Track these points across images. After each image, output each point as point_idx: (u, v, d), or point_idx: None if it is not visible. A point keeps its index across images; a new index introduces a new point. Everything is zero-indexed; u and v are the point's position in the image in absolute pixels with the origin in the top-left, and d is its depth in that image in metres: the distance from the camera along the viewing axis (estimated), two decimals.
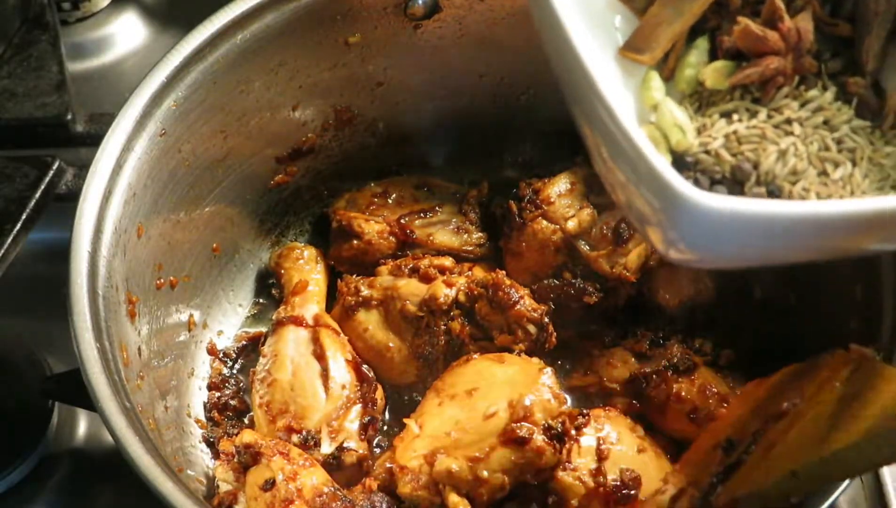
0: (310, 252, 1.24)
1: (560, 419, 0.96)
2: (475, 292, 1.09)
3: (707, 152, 0.77)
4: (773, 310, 1.15)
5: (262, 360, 1.14)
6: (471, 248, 1.22)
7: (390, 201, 1.25)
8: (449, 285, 1.11)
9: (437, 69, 1.22)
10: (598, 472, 0.95)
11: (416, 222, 1.22)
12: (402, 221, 1.21)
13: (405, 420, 1.02)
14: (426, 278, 1.14)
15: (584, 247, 1.14)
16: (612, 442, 0.98)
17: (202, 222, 1.15)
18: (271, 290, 1.25)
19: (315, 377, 1.09)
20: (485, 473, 0.95)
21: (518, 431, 0.94)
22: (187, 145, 1.07)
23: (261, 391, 1.10)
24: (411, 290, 1.13)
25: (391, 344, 1.13)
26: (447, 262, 1.17)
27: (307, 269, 1.22)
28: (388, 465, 0.99)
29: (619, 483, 0.94)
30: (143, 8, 1.53)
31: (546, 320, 1.08)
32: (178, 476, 0.84)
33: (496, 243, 1.22)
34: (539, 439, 0.94)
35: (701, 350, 1.13)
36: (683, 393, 1.07)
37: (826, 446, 0.74)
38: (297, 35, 1.11)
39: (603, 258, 1.13)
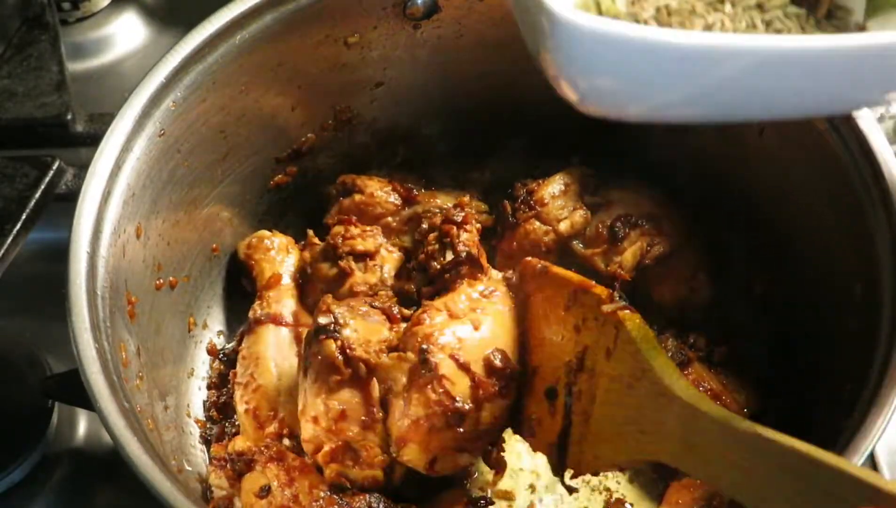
0: (280, 241, 1.20)
1: None
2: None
3: (636, 21, 0.76)
4: (772, 309, 1.15)
5: (241, 362, 1.11)
6: (471, 210, 1.17)
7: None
8: (357, 288, 1.10)
9: (437, 69, 1.22)
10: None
11: (421, 189, 1.23)
12: (407, 184, 1.22)
13: None
14: (343, 273, 1.11)
15: (578, 246, 1.14)
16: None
17: (202, 222, 1.15)
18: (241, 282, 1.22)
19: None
20: None
21: None
22: (187, 145, 1.07)
23: (245, 396, 1.08)
24: (330, 281, 1.12)
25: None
26: (373, 246, 1.13)
27: (279, 260, 1.18)
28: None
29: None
30: (143, 8, 1.53)
31: (463, 253, 1.06)
32: (177, 476, 0.84)
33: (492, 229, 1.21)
34: None
35: (695, 346, 1.13)
36: None
37: (624, 451, 0.85)
38: (297, 35, 1.11)
39: (598, 257, 1.14)
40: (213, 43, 1.04)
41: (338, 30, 1.13)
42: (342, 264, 1.11)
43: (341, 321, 0.98)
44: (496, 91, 1.25)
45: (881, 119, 1.25)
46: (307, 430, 0.98)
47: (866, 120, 0.98)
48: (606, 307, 0.87)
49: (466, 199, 1.18)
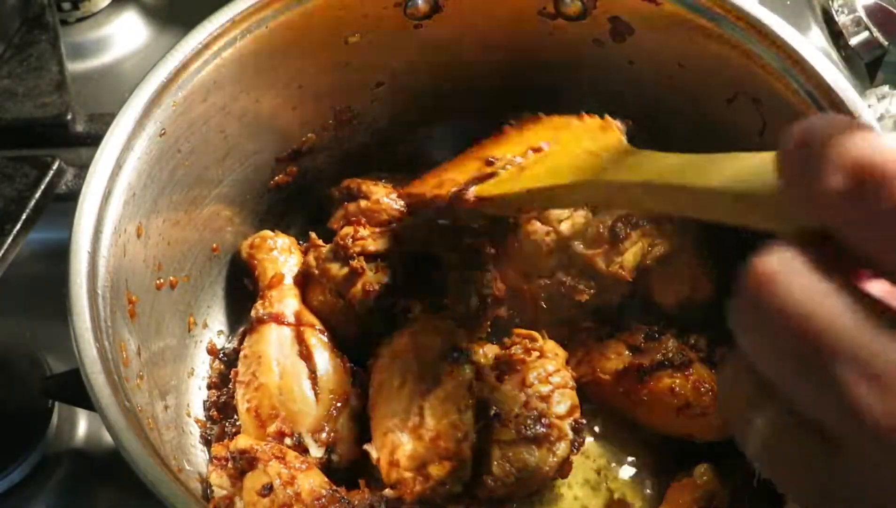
0: (283, 241, 1.20)
1: None
2: None
3: None
4: None
5: (243, 361, 1.11)
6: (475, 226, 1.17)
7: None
8: (370, 287, 1.11)
9: (438, 69, 1.22)
10: None
11: None
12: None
13: None
14: (354, 273, 1.11)
15: (579, 247, 1.14)
16: None
17: (202, 222, 1.15)
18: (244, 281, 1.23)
19: (303, 379, 1.08)
20: None
21: None
22: (187, 145, 1.07)
23: (247, 395, 1.08)
24: (339, 282, 1.12)
25: (332, 320, 1.14)
26: (384, 247, 1.13)
27: (282, 260, 1.18)
28: None
29: None
30: (143, 8, 1.53)
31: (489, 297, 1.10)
32: (178, 476, 0.84)
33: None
34: None
35: (696, 346, 1.13)
36: (677, 388, 1.07)
37: (556, 180, 0.91)
38: (297, 35, 1.11)
39: (599, 257, 1.13)
40: (213, 43, 1.04)
41: (338, 29, 1.13)
42: (353, 263, 1.11)
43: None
44: (497, 91, 1.25)
45: (881, 119, 1.25)
46: (416, 447, 0.99)
47: (866, 120, 0.98)
48: (609, 120, 1.01)
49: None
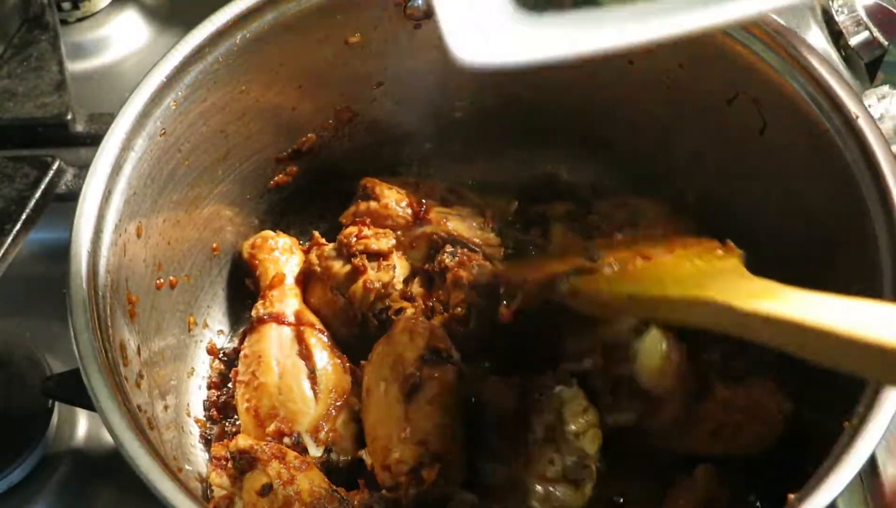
0: (284, 242, 1.21)
1: None
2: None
3: None
4: None
5: (243, 360, 1.11)
6: (479, 241, 1.19)
7: (419, 192, 1.24)
8: (370, 285, 1.11)
9: (437, 69, 1.22)
10: None
11: (436, 207, 1.21)
12: (423, 201, 1.21)
13: None
14: (356, 271, 1.13)
15: None
16: None
17: (202, 221, 1.15)
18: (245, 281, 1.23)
19: (303, 379, 1.08)
20: None
21: None
22: (187, 145, 1.07)
23: (247, 394, 1.08)
24: (341, 279, 1.13)
25: (331, 320, 1.15)
26: (386, 246, 1.15)
27: (283, 260, 1.19)
28: None
29: None
30: (143, 8, 1.53)
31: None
32: (178, 476, 0.84)
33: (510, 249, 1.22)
34: None
35: (710, 362, 1.10)
36: (704, 413, 1.04)
37: (663, 291, 0.86)
38: (297, 34, 1.11)
39: None
40: (213, 42, 1.04)
41: (338, 29, 1.13)
42: (356, 261, 1.13)
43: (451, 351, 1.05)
44: (497, 91, 1.25)
45: (881, 119, 1.25)
46: (405, 451, 0.99)
47: (866, 120, 0.98)
48: (731, 245, 0.95)
49: (489, 266, 1.17)
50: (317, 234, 1.21)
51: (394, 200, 1.20)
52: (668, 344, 1.04)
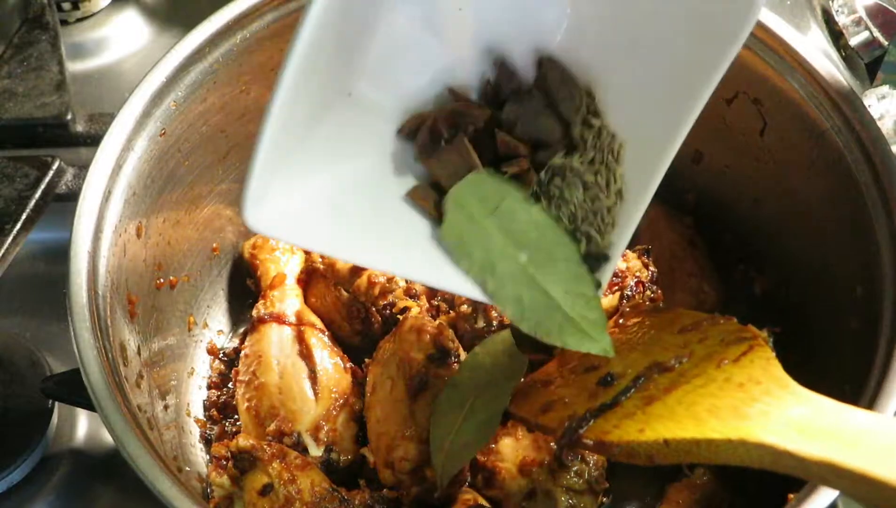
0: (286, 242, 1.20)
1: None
2: None
3: None
4: (773, 309, 1.15)
5: (244, 360, 1.12)
6: None
7: None
8: (375, 279, 1.12)
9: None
10: None
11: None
12: None
13: None
14: (359, 267, 1.13)
15: None
16: None
17: (202, 221, 1.15)
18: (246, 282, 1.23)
19: (303, 379, 1.08)
20: None
21: None
22: (187, 145, 1.07)
23: (247, 394, 1.08)
24: (344, 275, 1.13)
25: (333, 318, 1.15)
26: None
27: (284, 260, 1.19)
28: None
29: None
30: (143, 8, 1.53)
31: (495, 321, 1.08)
32: (178, 476, 0.84)
33: None
34: None
35: None
36: None
37: (702, 430, 0.74)
38: None
39: None
40: (213, 42, 1.04)
41: None
42: None
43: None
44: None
45: (881, 119, 1.25)
46: (409, 449, 0.99)
47: (866, 120, 0.98)
48: (754, 332, 0.83)
49: None
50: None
51: None
52: None
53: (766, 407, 0.73)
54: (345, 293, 1.14)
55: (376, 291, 1.12)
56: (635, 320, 0.95)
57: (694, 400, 0.78)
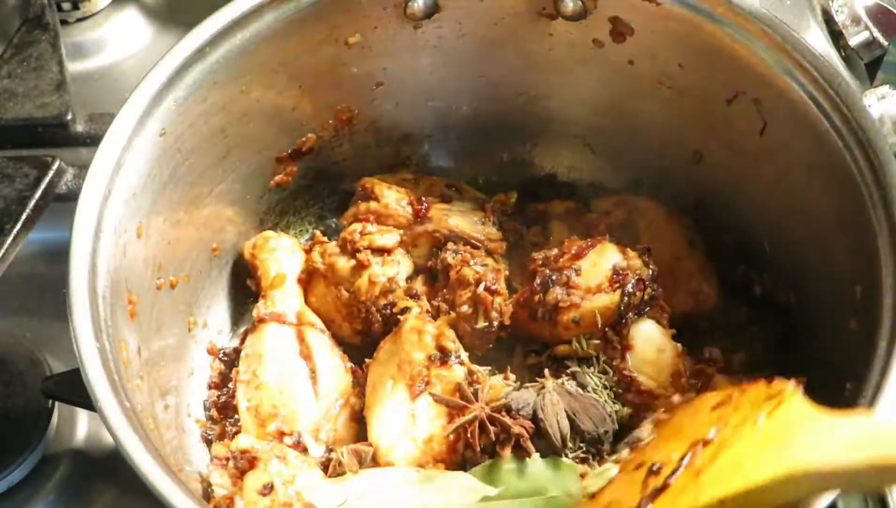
0: (286, 242, 1.21)
1: None
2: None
3: None
4: (773, 309, 1.15)
5: (244, 360, 1.11)
6: (481, 237, 1.19)
7: (418, 189, 1.24)
8: (375, 279, 1.12)
9: (437, 69, 1.22)
10: None
11: (437, 204, 1.21)
12: (423, 199, 1.21)
13: None
14: (360, 266, 1.14)
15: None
16: None
17: (202, 222, 1.15)
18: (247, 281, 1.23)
19: (303, 379, 1.08)
20: None
21: None
22: (187, 145, 1.07)
23: (248, 394, 1.08)
24: (345, 275, 1.14)
25: (333, 318, 1.15)
26: (391, 242, 1.16)
27: (284, 260, 1.19)
28: None
29: None
30: (143, 8, 1.53)
31: (496, 321, 1.09)
32: (178, 476, 0.84)
33: (510, 243, 1.22)
34: None
35: (711, 359, 1.12)
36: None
37: (752, 479, 0.76)
38: (297, 35, 1.11)
39: None
40: (213, 43, 1.04)
41: (338, 30, 1.13)
42: (360, 257, 1.14)
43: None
44: (496, 90, 1.25)
45: (881, 119, 1.25)
46: (409, 449, 1.00)
47: (866, 120, 0.98)
48: (781, 385, 0.84)
49: (491, 262, 1.16)
50: (318, 233, 1.22)
51: (394, 199, 1.20)
52: (662, 339, 1.08)
53: (804, 440, 0.75)
54: (345, 293, 1.14)
55: (377, 291, 1.13)
56: (667, 415, 0.99)
57: (739, 459, 0.80)
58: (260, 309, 1.15)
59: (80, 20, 1.50)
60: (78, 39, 1.49)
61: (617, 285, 1.07)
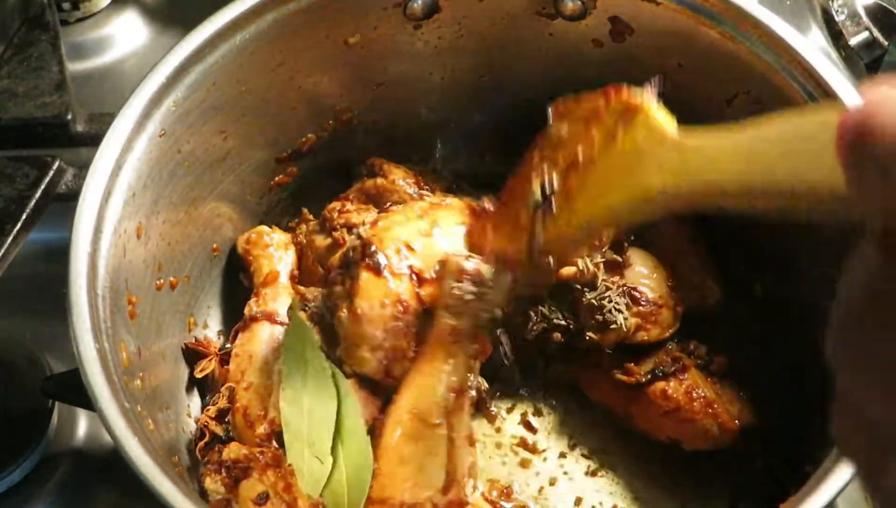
0: (280, 238, 1.20)
1: None
2: None
3: None
4: (773, 309, 1.15)
5: (234, 359, 1.11)
6: None
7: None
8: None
9: (437, 69, 1.22)
10: None
11: (440, 192, 1.22)
12: (429, 182, 1.23)
13: None
14: (335, 244, 1.14)
15: None
16: None
17: (202, 222, 1.15)
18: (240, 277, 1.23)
19: None
20: None
21: None
22: (187, 146, 1.07)
23: (237, 394, 1.07)
24: (321, 252, 1.14)
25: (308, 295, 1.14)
26: (369, 217, 1.14)
27: (277, 257, 1.18)
28: None
29: None
30: (143, 8, 1.53)
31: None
32: (178, 477, 0.84)
33: None
34: None
35: (694, 353, 1.13)
36: (670, 391, 1.07)
37: (609, 201, 0.81)
38: (297, 35, 1.11)
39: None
40: (213, 43, 1.04)
41: (338, 30, 1.13)
42: (336, 234, 1.14)
43: None
44: (497, 91, 1.25)
45: None
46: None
47: None
48: (636, 98, 0.83)
49: None
50: (305, 210, 1.23)
51: (401, 177, 1.21)
52: (653, 260, 1.14)
53: (649, 162, 0.77)
54: (320, 270, 1.14)
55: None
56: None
57: (602, 179, 0.83)
58: (252, 307, 1.14)
59: (80, 20, 1.50)
60: (78, 39, 1.49)
61: None
